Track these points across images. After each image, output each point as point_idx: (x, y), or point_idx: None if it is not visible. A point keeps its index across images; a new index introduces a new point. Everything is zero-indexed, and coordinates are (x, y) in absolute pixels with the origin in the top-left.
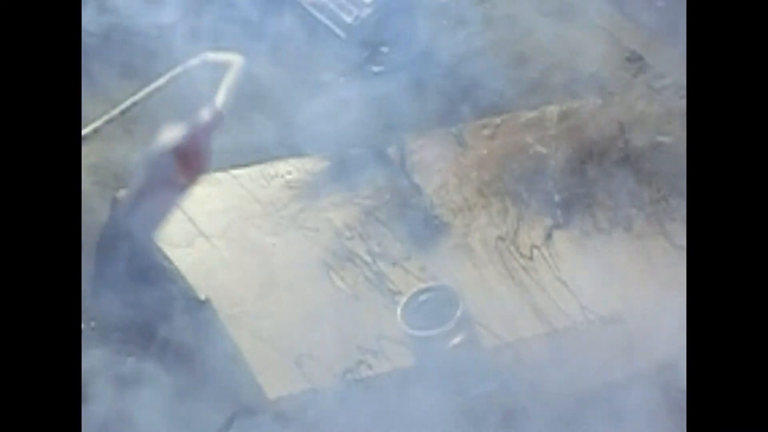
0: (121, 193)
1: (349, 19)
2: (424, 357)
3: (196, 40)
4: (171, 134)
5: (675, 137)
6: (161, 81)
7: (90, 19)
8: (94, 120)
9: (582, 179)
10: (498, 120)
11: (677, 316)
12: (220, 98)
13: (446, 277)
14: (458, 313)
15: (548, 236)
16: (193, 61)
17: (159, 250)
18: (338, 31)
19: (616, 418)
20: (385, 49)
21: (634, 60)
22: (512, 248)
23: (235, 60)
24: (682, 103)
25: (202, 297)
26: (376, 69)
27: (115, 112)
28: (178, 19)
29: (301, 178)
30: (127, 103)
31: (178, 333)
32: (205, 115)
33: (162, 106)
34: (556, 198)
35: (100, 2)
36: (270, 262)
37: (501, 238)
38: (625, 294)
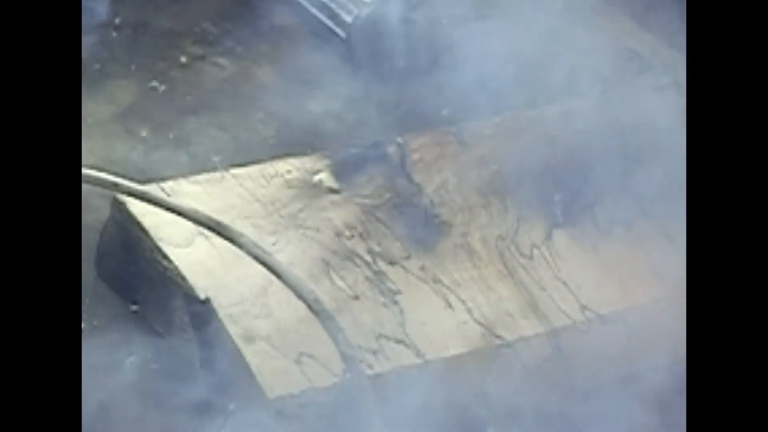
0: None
1: (349, 19)
2: None
3: (196, 40)
4: None
5: (675, 137)
6: None
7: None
8: (94, 120)
9: (582, 179)
10: (498, 120)
11: (677, 316)
12: None
13: (446, 277)
14: None
15: (548, 236)
16: None
17: (159, 249)
18: (338, 30)
19: (616, 417)
20: (385, 49)
21: (634, 60)
22: (512, 248)
23: None
24: (682, 103)
25: (202, 297)
26: (375, 68)
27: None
28: (179, 19)
29: (301, 178)
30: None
31: (178, 333)
32: None
33: (162, 104)
34: (556, 198)
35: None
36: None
37: (501, 238)
38: (625, 294)
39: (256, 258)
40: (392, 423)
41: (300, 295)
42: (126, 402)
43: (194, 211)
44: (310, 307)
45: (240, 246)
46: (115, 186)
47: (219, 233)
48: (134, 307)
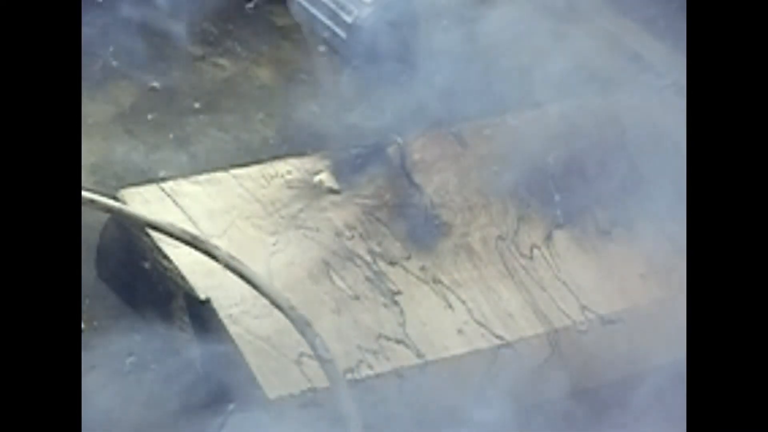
0: (121, 193)
1: (349, 19)
2: None
3: (196, 40)
4: None
5: (675, 137)
6: None
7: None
8: (94, 120)
9: (582, 179)
10: (498, 120)
11: (677, 316)
12: None
13: (446, 277)
14: None
15: (548, 236)
16: None
17: (159, 249)
18: (338, 30)
19: (616, 418)
20: (385, 49)
21: (634, 60)
22: (512, 248)
23: None
24: (683, 103)
25: (202, 297)
26: (375, 69)
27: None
28: (178, 18)
29: (301, 178)
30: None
31: (178, 333)
32: None
33: (162, 104)
34: (556, 198)
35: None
36: (270, 262)
37: (501, 238)
38: (625, 294)
39: (233, 270)
40: (391, 424)
41: (276, 304)
42: (126, 402)
43: (170, 224)
44: (286, 314)
45: (216, 259)
46: (92, 202)
47: (195, 247)
48: (133, 308)
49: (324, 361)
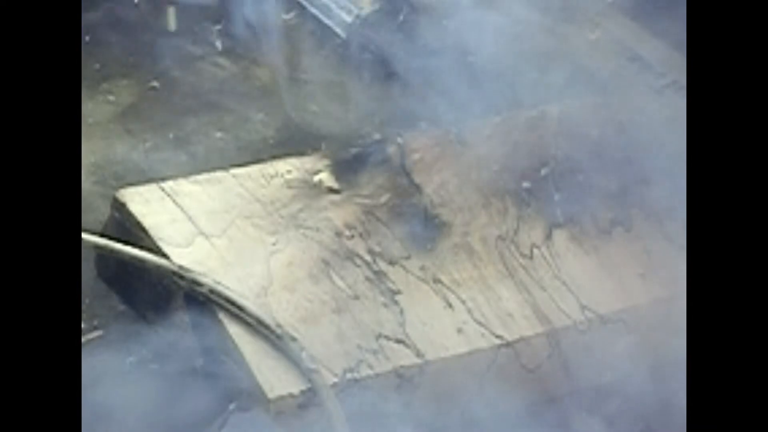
0: (121, 193)
1: (349, 19)
2: None
3: (196, 40)
4: None
5: (675, 137)
6: None
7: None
8: (94, 120)
9: (582, 179)
10: (498, 120)
11: (677, 316)
12: None
13: (446, 276)
14: None
15: (548, 236)
16: None
17: (159, 249)
18: (338, 30)
19: (616, 418)
20: (384, 49)
21: (634, 60)
22: (512, 247)
23: None
24: (683, 103)
25: (202, 297)
26: (375, 69)
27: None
28: (179, 19)
29: (301, 178)
30: None
31: (177, 333)
32: None
33: (162, 104)
34: (556, 198)
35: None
36: (270, 262)
37: (501, 238)
38: (625, 294)
39: (219, 295)
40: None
41: (263, 322)
42: (126, 402)
43: (156, 257)
44: (273, 332)
45: (200, 285)
46: None
47: (181, 276)
48: (133, 307)
49: (310, 372)
